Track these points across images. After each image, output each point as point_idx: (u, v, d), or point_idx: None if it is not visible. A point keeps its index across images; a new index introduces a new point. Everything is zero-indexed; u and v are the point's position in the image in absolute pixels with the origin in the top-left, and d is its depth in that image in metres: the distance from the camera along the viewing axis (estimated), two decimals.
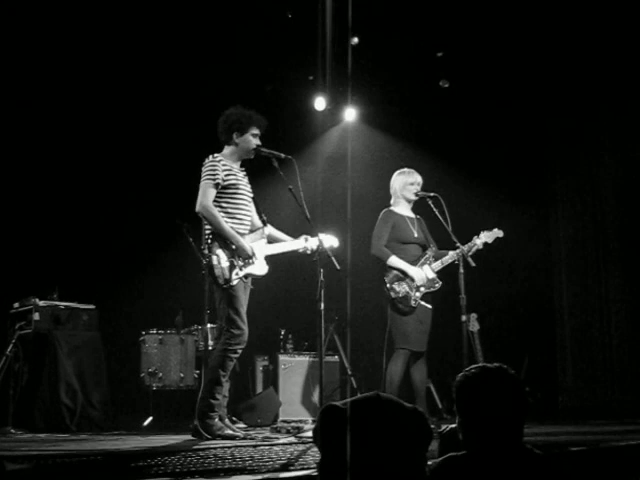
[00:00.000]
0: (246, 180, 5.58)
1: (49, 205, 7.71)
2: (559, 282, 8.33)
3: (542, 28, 7.58)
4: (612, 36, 7.54)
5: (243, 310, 5.32)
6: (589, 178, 8.22)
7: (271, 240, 5.59)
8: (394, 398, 2.23)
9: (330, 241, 5.57)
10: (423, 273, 6.27)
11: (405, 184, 6.47)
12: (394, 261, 6.26)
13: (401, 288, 6.24)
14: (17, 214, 7.45)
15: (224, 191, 5.38)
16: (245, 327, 5.30)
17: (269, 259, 5.53)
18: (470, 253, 6.23)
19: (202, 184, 5.33)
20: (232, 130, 5.52)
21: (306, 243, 5.56)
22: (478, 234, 6.39)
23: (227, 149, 5.56)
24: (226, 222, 5.31)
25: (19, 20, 6.87)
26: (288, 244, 5.63)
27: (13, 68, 7.08)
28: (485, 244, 6.37)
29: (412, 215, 6.52)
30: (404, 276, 6.25)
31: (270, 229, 5.62)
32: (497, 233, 6.45)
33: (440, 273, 6.40)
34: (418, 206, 6.58)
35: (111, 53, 7.48)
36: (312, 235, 5.43)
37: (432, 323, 6.36)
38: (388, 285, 6.24)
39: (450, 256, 6.29)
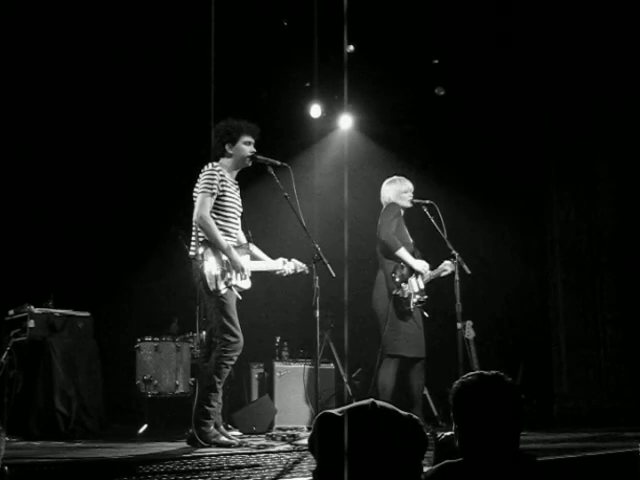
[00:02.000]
0: (238, 194, 5.58)
1: (44, 212, 7.69)
2: (554, 289, 8.32)
3: (539, 36, 7.60)
4: (606, 40, 7.56)
5: (236, 317, 5.32)
6: (585, 187, 8.21)
7: (252, 257, 5.61)
8: (389, 406, 2.23)
9: (301, 267, 5.68)
10: (427, 265, 6.36)
11: (399, 192, 6.51)
12: (402, 253, 6.31)
13: (407, 288, 6.29)
14: (12, 221, 7.43)
15: (216, 202, 5.37)
16: (240, 334, 5.30)
17: (256, 272, 5.56)
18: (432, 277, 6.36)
19: (200, 194, 5.32)
20: (223, 143, 5.53)
21: (284, 266, 5.66)
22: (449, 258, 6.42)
23: (224, 160, 5.55)
24: None
25: (19, 20, 6.86)
26: (266, 263, 5.69)
27: (7, 78, 7.08)
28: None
29: None
30: (409, 277, 6.31)
31: (252, 246, 5.65)
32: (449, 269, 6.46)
33: (436, 280, 6.45)
34: (413, 214, 6.60)
35: (106, 59, 7.47)
36: (308, 242, 5.42)
37: (425, 331, 6.41)
38: (397, 280, 6.27)
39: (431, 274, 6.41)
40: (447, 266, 6.39)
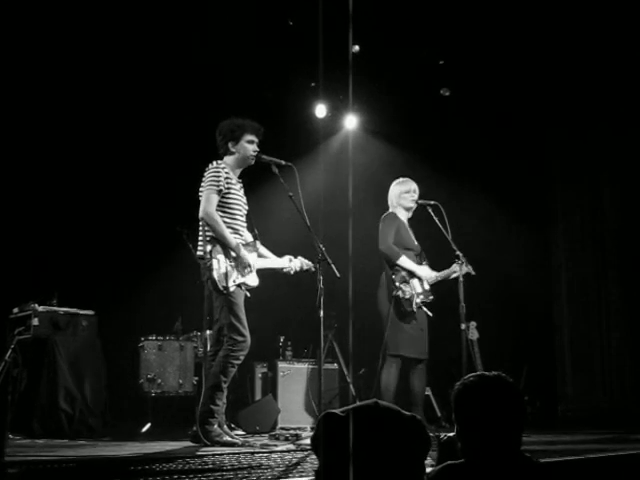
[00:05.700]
0: (242, 192, 5.58)
1: (49, 210, 7.70)
2: (558, 290, 8.33)
3: (544, 38, 7.59)
4: (612, 47, 7.55)
5: (244, 317, 5.32)
6: (590, 188, 8.22)
7: (258, 255, 5.60)
8: (392, 406, 2.22)
9: (308, 265, 5.66)
10: (431, 273, 6.36)
11: (401, 193, 6.54)
12: (404, 261, 6.33)
13: (407, 289, 6.29)
14: (17, 219, 7.44)
15: (221, 199, 5.38)
16: (247, 333, 5.30)
17: (261, 270, 5.55)
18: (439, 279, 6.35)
19: (205, 191, 5.33)
20: (226, 141, 5.54)
21: (290, 263, 5.66)
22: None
23: (227, 158, 5.57)
24: None
25: (19, 20, 6.87)
26: (272, 261, 5.68)
27: (11, 77, 7.08)
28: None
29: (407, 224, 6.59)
30: (410, 278, 6.31)
31: (258, 244, 5.65)
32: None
33: (439, 281, 6.44)
34: (417, 214, 6.60)
35: (112, 59, 7.48)
36: (313, 242, 5.42)
37: (429, 331, 6.40)
38: (397, 283, 6.28)
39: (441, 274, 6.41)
40: (457, 268, 6.34)
